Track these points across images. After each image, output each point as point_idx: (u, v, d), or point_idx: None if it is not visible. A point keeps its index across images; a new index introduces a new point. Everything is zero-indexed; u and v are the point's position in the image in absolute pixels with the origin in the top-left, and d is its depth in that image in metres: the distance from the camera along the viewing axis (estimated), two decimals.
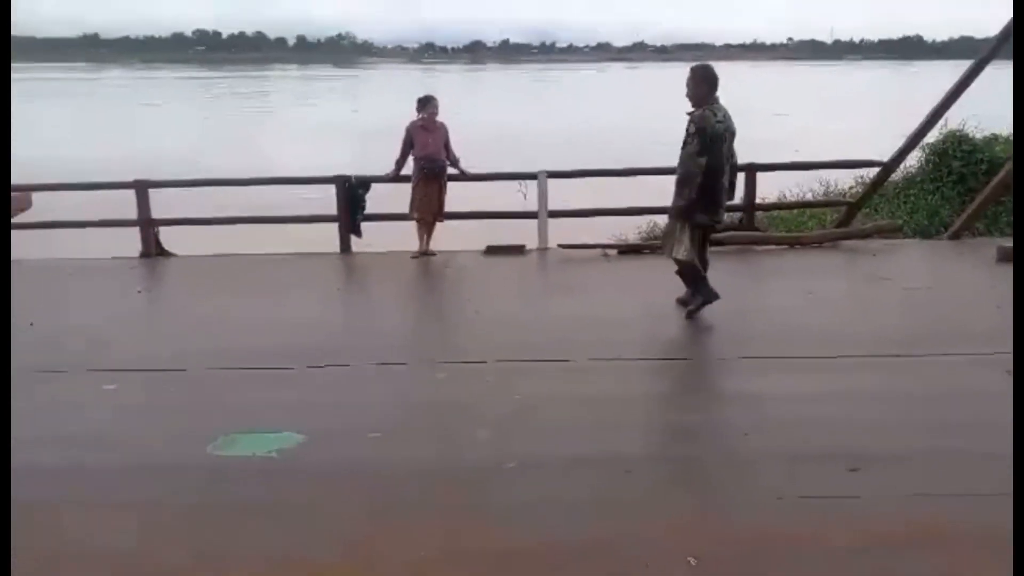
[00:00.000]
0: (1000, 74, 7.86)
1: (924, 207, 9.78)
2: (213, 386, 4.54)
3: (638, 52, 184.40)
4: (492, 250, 7.89)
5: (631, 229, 10.32)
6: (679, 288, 5.66)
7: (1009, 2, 6.50)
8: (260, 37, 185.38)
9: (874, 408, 3.99)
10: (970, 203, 8.43)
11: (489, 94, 56.25)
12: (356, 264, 8.10)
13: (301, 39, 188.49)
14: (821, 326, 5.33)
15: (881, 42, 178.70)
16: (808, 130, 23.57)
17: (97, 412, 4.20)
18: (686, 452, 3.69)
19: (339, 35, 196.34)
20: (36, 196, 6.24)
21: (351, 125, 30.87)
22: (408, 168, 7.90)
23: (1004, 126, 10.35)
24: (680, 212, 5.36)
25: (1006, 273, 6.23)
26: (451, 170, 7.94)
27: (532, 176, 8.22)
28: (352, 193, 8.18)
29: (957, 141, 10.22)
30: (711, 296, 5.43)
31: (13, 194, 5.73)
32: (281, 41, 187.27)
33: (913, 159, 9.93)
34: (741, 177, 6.83)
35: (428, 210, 7.83)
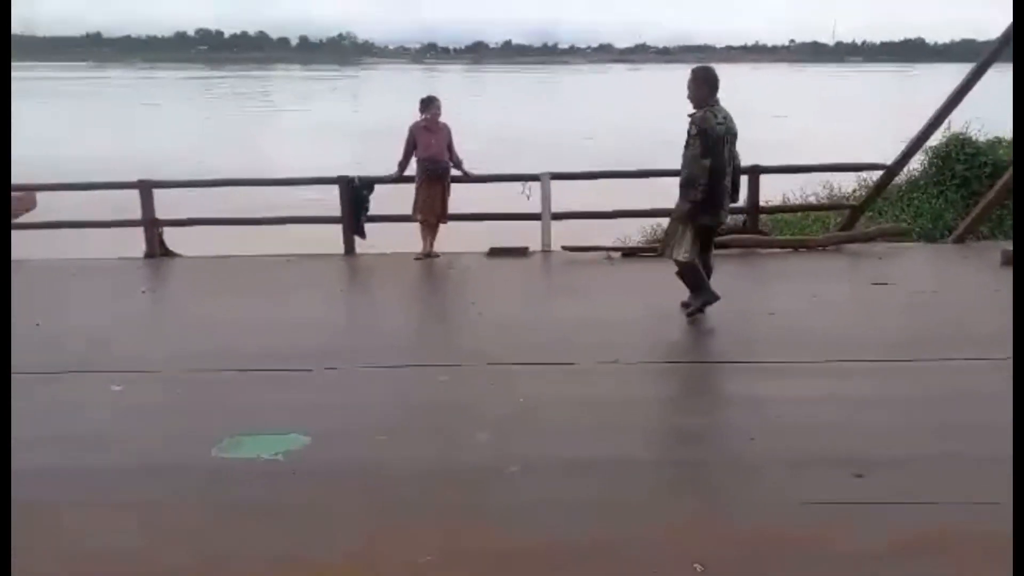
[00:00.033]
0: (1003, 77, 7.85)
1: (928, 211, 9.76)
2: (217, 387, 4.54)
3: (640, 53, 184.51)
4: (495, 252, 7.90)
5: (635, 231, 10.32)
6: (682, 291, 5.66)
7: (1009, 5, 6.51)
8: (262, 37, 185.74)
9: (879, 412, 3.98)
10: (974, 206, 8.42)
11: (491, 95, 56.24)
12: (360, 265, 8.10)
13: (303, 39, 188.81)
14: (825, 330, 5.32)
15: (883, 44, 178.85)
16: (810, 132, 23.57)
17: (100, 412, 4.19)
18: (690, 455, 3.68)
19: (340, 35, 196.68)
20: (40, 196, 6.30)
21: (353, 125, 30.90)
22: (411, 169, 7.91)
23: (1007, 129, 10.33)
24: (684, 214, 5.37)
25: (1011, 277, 6.23)
26: (454, 171, 7.95)
27: (535, 178, 8.22)
28: (356, 194, 8.19)
29: (960, 144, 10.19)
30: (711, 297, 5.45)
31: (18, 194, 5.79)
32: (283, 41, 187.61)
33: (916, 162, 9.92)
34: (744, 180, 6.82)
35: (431, 211, 7.83)
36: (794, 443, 3.64)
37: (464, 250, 8.03)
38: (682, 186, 5.33)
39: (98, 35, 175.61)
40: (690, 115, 5.33)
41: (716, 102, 5.29)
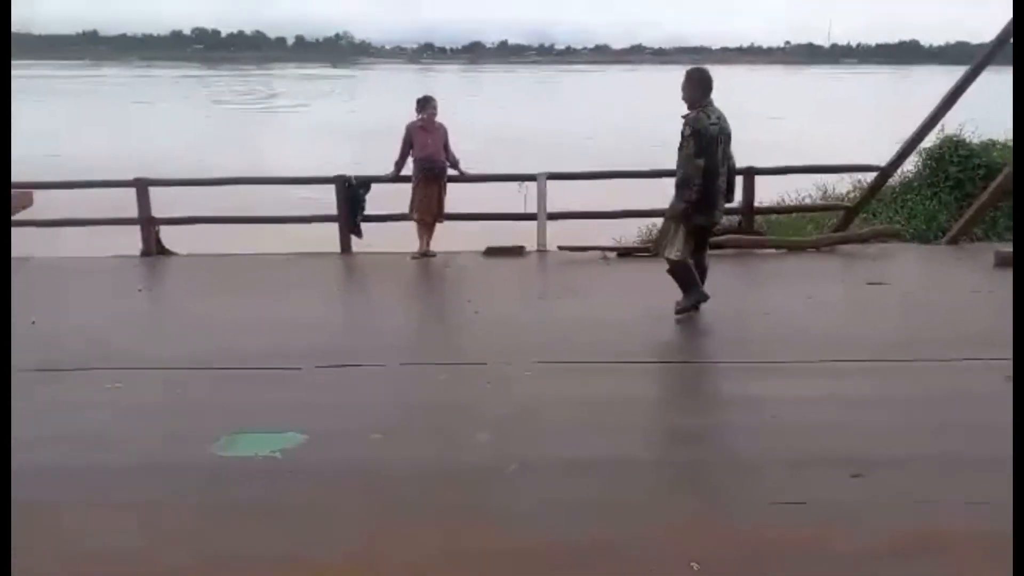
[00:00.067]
0: (996, 79, 7.90)
1: (922, 212, 9.80)
2: (214, 386, 4.54)
3: (636, 54, 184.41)
4: (492, 251, 7.91)
5: (631, 231, 10.34)
6: (678, 291, 5.68)
7: (1006, 6, 6.54)
8: (259, 36, 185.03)
9: (875, 412, 4.00)
10: (967, 208, 8.46)
11: (488, 95, 56.22)
12: (356, 264, 8.10)
13: (300, 39, 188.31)
14: (821, 330, 5.35)
15: (878, 46, 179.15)
16: (805, 134, 23.62)
17: (97, 411, 4.18)
18: (687, 455, 3.69)
19: (337, 35, 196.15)
20: (36, 194, 6.27)
21: (350, 125, 30.85)
22: (408, 169, 7.92)
23: (1001, 131, 10.41)
24: (678, 214, 5.40)
25: (1004, 278, 6.26)
26: (451, 171, 7.96)
27: (532, 178, 8.23)
28: (352, 193, 8.19)
29: (954, 146, 10.24)
30: (702, 296, 5.52)
31: (15, 192, 5.75)
32: (280, 40, 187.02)
33: (910, 164, 9.95)
34: (740, 180, 6.85)
35: (428, 211, 7.84)
36: (793, 443, 3.65)
37: (460, 249, 8.03)
38: (677, 186, 5.38)
39: (94, 33, 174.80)
40: (684, 116, 5.38)
41: (710, 103, 5.35)
